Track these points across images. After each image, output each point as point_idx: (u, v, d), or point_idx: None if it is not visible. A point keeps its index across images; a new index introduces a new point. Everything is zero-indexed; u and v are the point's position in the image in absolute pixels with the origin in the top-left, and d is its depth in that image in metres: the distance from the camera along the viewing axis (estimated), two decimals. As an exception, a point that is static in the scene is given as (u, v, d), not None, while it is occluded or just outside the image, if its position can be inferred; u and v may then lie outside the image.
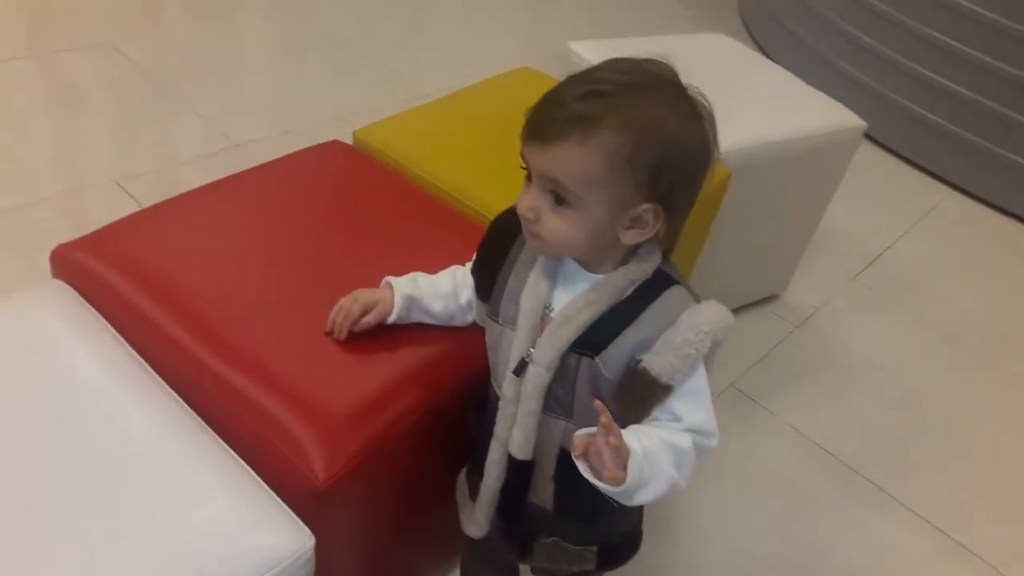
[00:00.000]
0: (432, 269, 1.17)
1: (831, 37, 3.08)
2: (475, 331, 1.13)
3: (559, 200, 0.90)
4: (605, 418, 0.84)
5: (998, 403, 2.09)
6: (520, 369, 0.99)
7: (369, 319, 1.12)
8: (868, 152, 2.06)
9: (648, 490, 0.89)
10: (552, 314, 0.98)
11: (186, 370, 1.08)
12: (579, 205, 0.89)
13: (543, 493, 1.06)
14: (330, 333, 1.13)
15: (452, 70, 2.21)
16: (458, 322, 1.17)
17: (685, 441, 0.93)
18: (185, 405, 1.03)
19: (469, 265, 1.14)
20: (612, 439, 0.84)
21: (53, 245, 1.23)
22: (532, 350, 0.97)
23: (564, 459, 1.01)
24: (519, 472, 1.04)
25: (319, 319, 1.12)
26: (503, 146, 1.53)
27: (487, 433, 1.06)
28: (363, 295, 1.12)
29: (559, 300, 0.99)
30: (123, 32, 2.82)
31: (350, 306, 1.11)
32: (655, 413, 0.94)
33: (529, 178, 0.93)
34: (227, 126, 2.47)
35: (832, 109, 1.98)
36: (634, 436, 0.89)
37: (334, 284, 1.15)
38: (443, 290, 1.15)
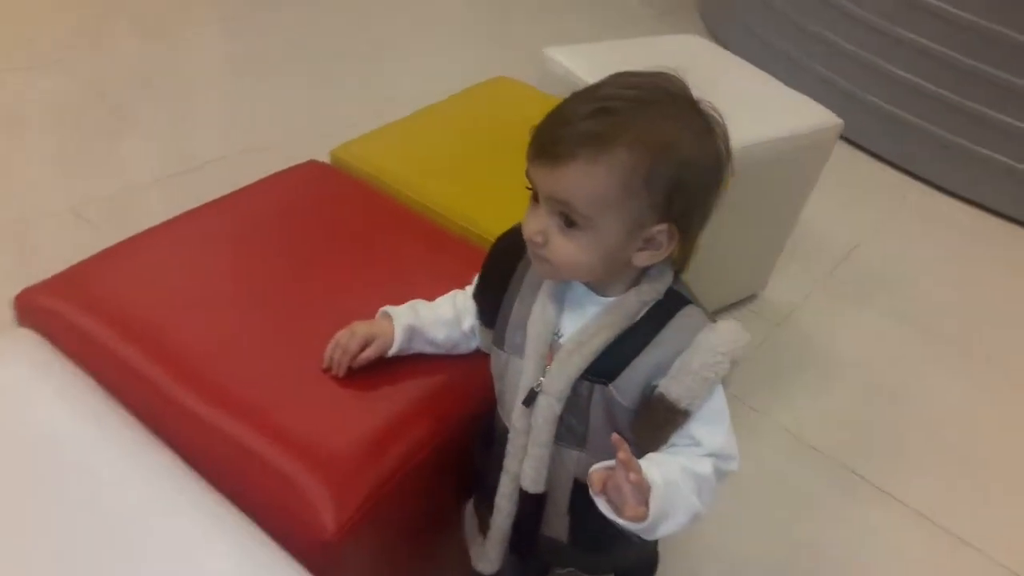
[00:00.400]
0: (427, 294, 1.11)
1: (794, 34, 3.08)
2: (479, 358, 1.08)
3: (569, 222, 0.86)
4: (624, 454, 0.80)
5: (977, 391, 2.10)
6: (530, 399, 0.94)
7: (369, 353, 1.06)
8: (837, 149, 2.06)
9: (670, 522, 0.86)
10: (562, 340, 0.94)
11: (175, 420, 1.00)
12: (590, 227, 0.85)
13: (557, 526, 1.02)
14: (327, 370, 1.06)
15: (422, 82, 2.15)
16: (462, 350, 1.12)
17: (706, 467, 0.90)
18: (177, 458, 0.96)
19: (470, 289, 1.09)
20: (632, 475, 0.80)
21: (14, 286, 1.14)
22: (542, 379, 0.93)
23: (578, 491, 0.98)
24: (531, 506, 1.00)
25: (314, 356, 1.06)
26: (489, 159, 1.51)
27: (496, 466, 1.01)
28: (361, 328, 1.06)
29: (568, 325, 0.95)
30: (71, 51, 2.71)
31: (347, 341, 1.05)
32: (673, 439, 0.90)
33: (535, 199, 0.89)
34: (185, 146, 2.38)
35: (809, 108, 1.96)
36: (654, 466, 0.85)
37: (326, 317, 1.09)
38: (445, 317, 1.09)
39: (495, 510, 1.02)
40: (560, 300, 0.95)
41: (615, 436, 0.81)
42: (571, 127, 0.84)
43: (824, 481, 1.77)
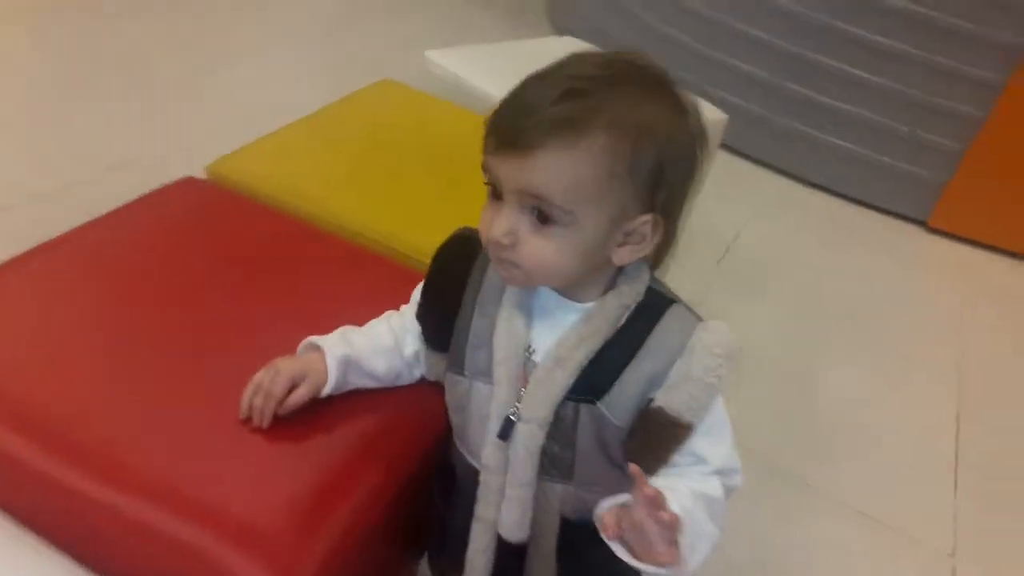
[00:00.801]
0: (348, 318, 0.95)
1: (640, 33, 3.06)
2: (425, 389, 0.93)
3: (543, 218, 0.73)
4: (650, 489, 0.67)
5: (873, 373, 2.13)
6: (506, 431, 0.80)
7: (299, 396, 0.88)
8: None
9: (695, 557, 0.73)
10: (535, 357, 0.81)
11: (69, 512, 0.80)
12: (568, 223, 0.73)
13: (543, 574, 0.88)
14: (247, 421, 0.87)
15: (282, 92, 1.96)
16: (404, 380, 0.96)
17: (715, 488, 0.79)
18: (73, 562, 0.76)
19: (407, 309, 0.94)
20: (665, 514, 0.68)
21: None
22: (518, 405, 0.80)
23: (568, 530, 0.85)
24: (512, 557, 0.86)
25: (226, 405, 0.87)
26: (389, 166, 1.34)
27: (462, 515, 0.86)
28: (285, 366, 0.88)
29: (541, 339, 0.81)
30: None
31: (271, 383, 0.87)
32: (675, 458, 0.79)
33: (496, 196, 0.76)
34: (15, 174, 2.07)
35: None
36: (667, 494, 0.73)
37: (233, 357, 0.92)
38: (384, 344, 0.93)
39: (467, 567, 0.87)
40: (528, 310, 0.82)
41: (633, 467, 0.69)
42: (540, 113, 0.71)
43: (752, 478, 1.72)
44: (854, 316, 2.32)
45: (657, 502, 0.67)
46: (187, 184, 1.21)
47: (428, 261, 0.88)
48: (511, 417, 0.80)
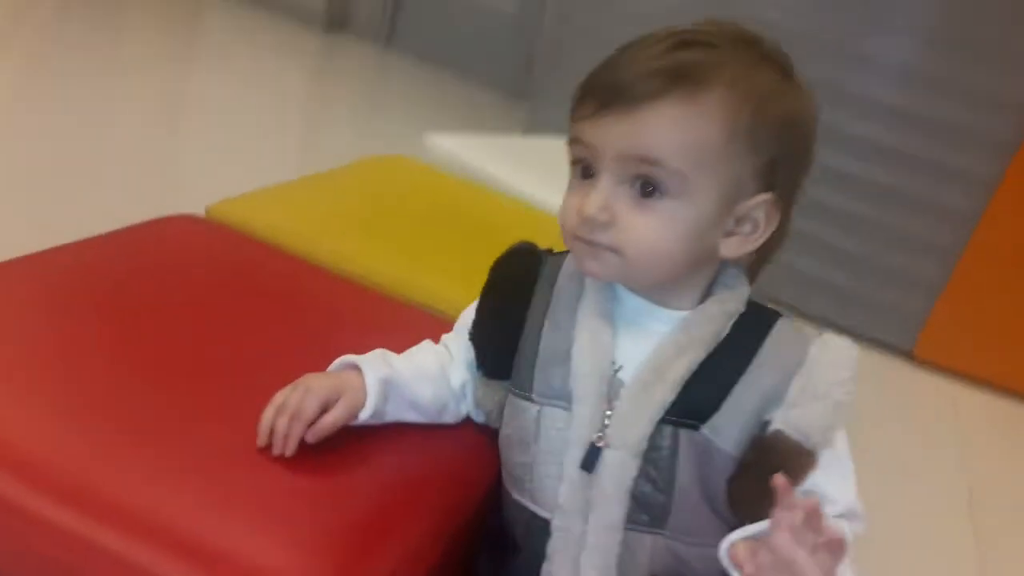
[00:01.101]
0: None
1: None
2: (476, 430, 0.79)
3: (648, 190, 0.64)
4: (807, 501, 0.54)
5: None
6: (590, 461, 0.67)
7: (334, 418, 0.71)
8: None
9: None
10: (621, 374, 0.69)
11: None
12: (681, 192, 0.64)
13: None
14: (266, 448, 0.70)
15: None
16: (449, 416, 0.81)
17: (846, 535, 0.64)
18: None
19: (448, 337, 0.82)
20: (829, 537, 0.54)
21: None
22: (606, 428, 0.66)
23: (657, 595, 0.69)
24: None
25: (241, 431, 0.71)
26: (398, 223, 1.24)
27: None
28: (317, 383, 0.72)
29: (628, 353, 0.69)
30: None
31: (299, 402, 0.70)
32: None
33: (586, 174, 0.66)
34: None
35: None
36: None
37: (242, 392, 0.75)
38: (429, 370, 0.78)
39: None
40: (611, 320, 0.70)
41: (779, 478, 0.55)
42: (654, 63, 0.63)
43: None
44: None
45: (815, 522, 0.54)
46: (180, 220, 1.07)
47: (435, 304, 0.81)
48: (596, 444, 0.67)
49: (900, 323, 2.54)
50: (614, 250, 0.65)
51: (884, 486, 2.00)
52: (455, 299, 0.87)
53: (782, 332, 0.69)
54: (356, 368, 0.75)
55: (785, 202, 0.68)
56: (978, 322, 2.47)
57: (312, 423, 0.70)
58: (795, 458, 0.64)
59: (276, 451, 0.70)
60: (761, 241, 0.68)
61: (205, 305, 0.90)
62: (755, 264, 0.74)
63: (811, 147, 0.70)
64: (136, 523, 0.63)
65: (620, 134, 0.63)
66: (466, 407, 0.81)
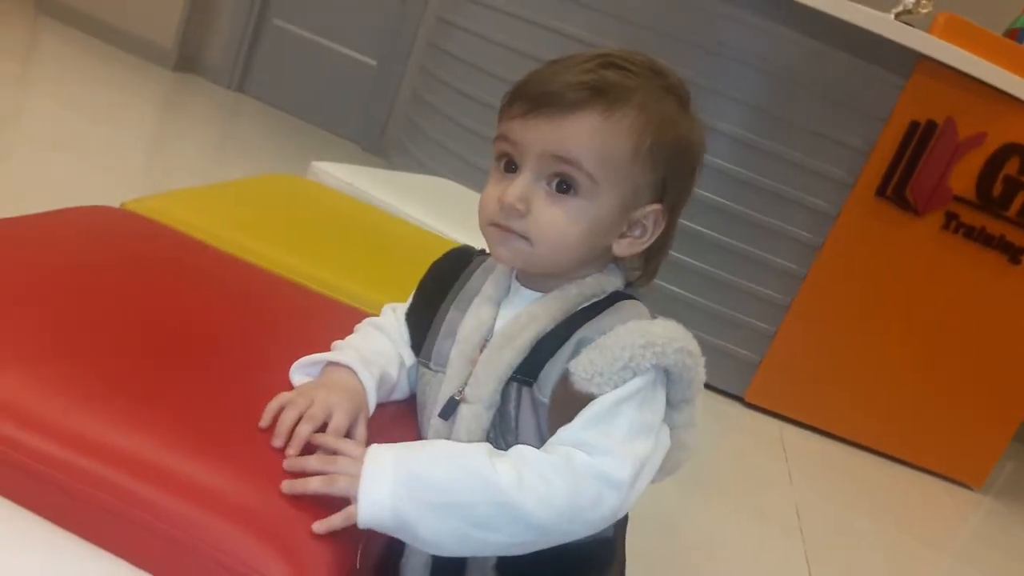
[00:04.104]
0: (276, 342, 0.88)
1: (461, 137, 3.12)
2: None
3: (563, 187, 0.73)
4: None
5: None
6: (448, 411, 0.76)
7: (343, 421, 0.72)
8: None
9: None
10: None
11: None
12: (590, 194, 0.73)
13: None
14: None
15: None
16: (399, 394, 0.86)
17: (528, 451, 0.71)
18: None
19: (387, 321, 0.88)
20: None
21: None
22: (465, 387, 0.75)
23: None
24: (450, 573, 0.77)
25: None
26: (309, 226, 1.30)
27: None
28: (318, 395, 0.73)
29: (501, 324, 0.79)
30: None
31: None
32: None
33: (509, 168, 0.75)
34: None
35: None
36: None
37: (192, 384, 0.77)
38: (392, 355, 0.84)
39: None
40: (497, 303, 0.80)
41: None
42: (581, 75, 0.73)
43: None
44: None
45: None
46: (101, 211, 1.06)
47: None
48: (455, 397, 0.76)
49: (736, 370, 2.77)
50: (524, 237, 0.74)
51: (724, 510, 2.17)
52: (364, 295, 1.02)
53: (617, 308, 0.77)
54: (340, 366, 0.78)
55: (671, 214, 0.79)
56: (801, 371, 2.74)
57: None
58: (574, 397, 0.72)
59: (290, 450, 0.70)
60: (647, 244, 0.79)
61: (134, 286, 0.90)
62: (647, 266, 0.83)
63: (696, 169, 0.80)
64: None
65: (545, 133, 0.72)
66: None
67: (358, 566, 0.68)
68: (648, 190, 0.76)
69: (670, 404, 0.76)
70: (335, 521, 0.65)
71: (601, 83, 0.72)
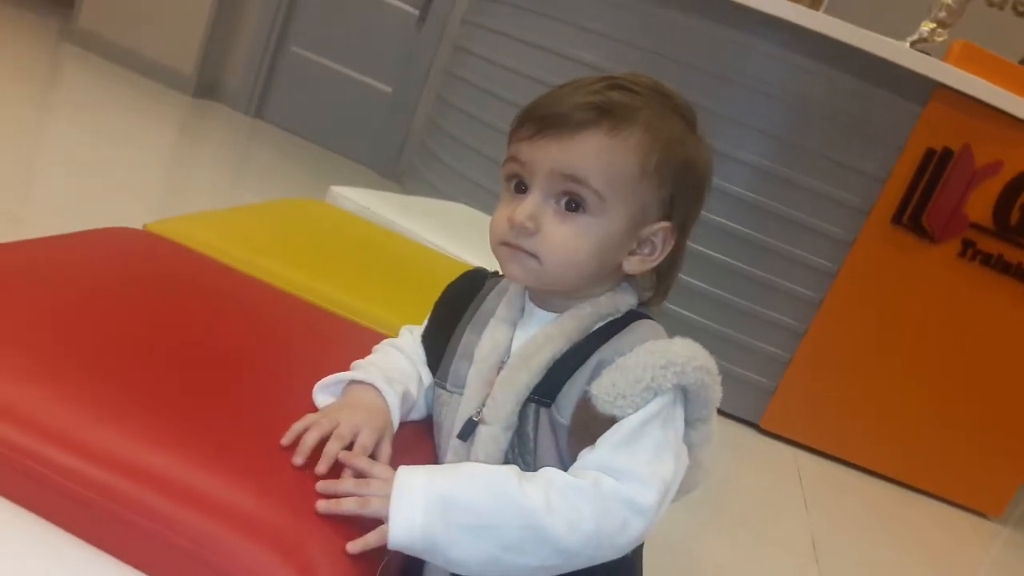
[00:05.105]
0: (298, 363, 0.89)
1: (475, 162, 3.13)
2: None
3: (572, 205, 0.74)
4: None
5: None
6: (466, 432, 0.76)
7: (365, 441, 0.73)
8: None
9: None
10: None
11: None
12: (598, 211, 0.74)
13: None
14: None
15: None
16: (416, 414, 0.87)
17: (559, 476, 0.70)
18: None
19: (405, 342, 0.90)
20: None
21: None
22: (483, 408, 0.76)
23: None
24: None
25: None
26: (333, 251, 1.32)
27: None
28: (342, 415, 0.74)
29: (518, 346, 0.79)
30: None
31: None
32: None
33: (519, 189, 0.76)
34: None
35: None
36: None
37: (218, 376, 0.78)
38: (409, 371, 0.85)
39: None
40: (513, 325, 0.81)
41: None
42: (589, 98, 0.74)
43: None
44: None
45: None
46: (123, 232, 1.07)
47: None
48: (474, 419, 0.76)
49: (751, 397, 2.76)
50: (534, 255, 0.75)
51: (740, 535, 2.15)
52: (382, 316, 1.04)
53: (634, 328, 0.77)
54: (364, 384, 0.79)
55: (680, 232, 0.80)
56: (817, 398, 2.72)
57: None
58: (596, 419, 0.72)
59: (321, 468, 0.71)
60: (658, 262, 0.79)
61: (158, 306, 0.91)
62: (659, 285, 0.83)
63: (704, 188, 0.81)
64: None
65: (553, 153, 0.73)
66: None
67: (377, 585, 0.68)
68: (656, 207, 0.77)
69: (687, 423, 0.76)
70: (370, 540, 0.66)
71: (607, 103, 0.73)
